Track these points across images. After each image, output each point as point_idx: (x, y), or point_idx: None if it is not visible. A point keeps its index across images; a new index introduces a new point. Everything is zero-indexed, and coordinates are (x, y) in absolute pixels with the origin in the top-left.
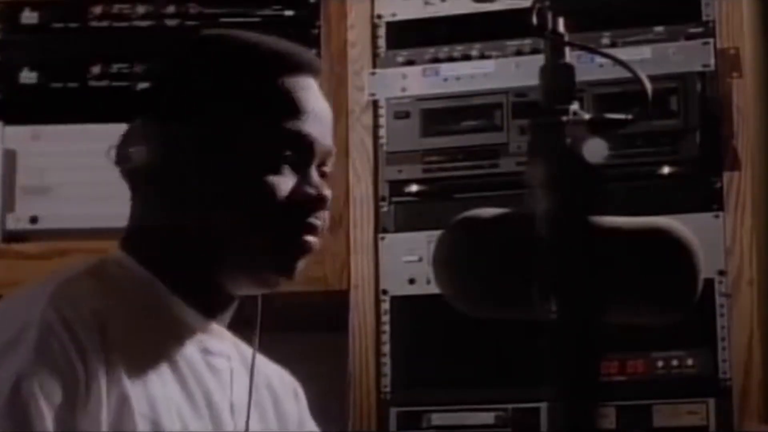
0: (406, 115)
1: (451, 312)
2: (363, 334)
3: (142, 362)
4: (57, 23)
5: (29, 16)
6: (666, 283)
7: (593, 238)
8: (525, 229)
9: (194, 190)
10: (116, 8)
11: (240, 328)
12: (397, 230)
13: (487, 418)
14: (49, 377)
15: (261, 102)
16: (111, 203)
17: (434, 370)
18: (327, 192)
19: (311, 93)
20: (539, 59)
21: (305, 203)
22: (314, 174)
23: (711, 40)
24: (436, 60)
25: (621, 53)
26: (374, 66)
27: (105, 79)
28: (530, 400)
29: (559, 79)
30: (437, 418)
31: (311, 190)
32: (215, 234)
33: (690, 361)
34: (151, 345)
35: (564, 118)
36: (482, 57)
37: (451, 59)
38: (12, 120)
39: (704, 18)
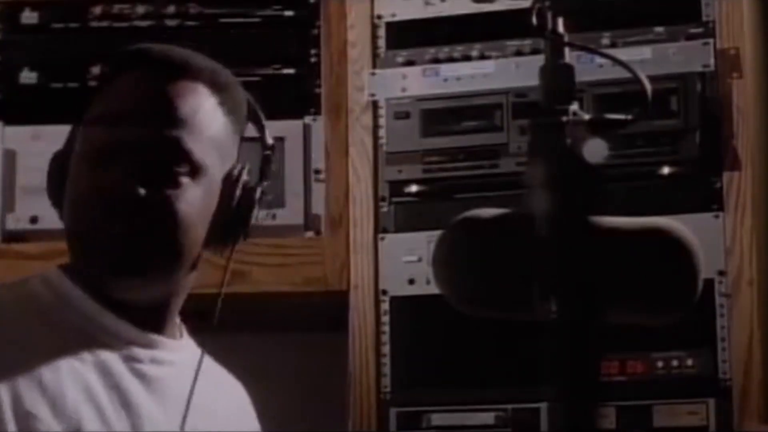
0: (406, 115)
1: (451, 312)
2: (363, 334)
3: (35, 378)
4: (57, 23)
5: (29, 16)
6: (666, 283)
7: (593, 239)
8: (525, 230)
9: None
10: (116, 8)
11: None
12: (397, 230)
13: (487, 418)
14: None
15: (97, 94)
16: None
17: (434, 370)
18: (141, 189)
19: (147, 95)
20: (539, 59)
21: (112, 199)
22: (124, 171)
23: (711, 40)
24: (436, 60)
25: (621, 53)
26: (374, 66)
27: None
28: (530, 401)
29: (559, 80)
30: (437, 419)
31: (116, 186)
32: (74, 241)
33: (690, 362)
34: (53, 354)
35: (564, 119)
36: (482, 57)
37: (451, 59)
38: (12, 120)
39: (704, 18)
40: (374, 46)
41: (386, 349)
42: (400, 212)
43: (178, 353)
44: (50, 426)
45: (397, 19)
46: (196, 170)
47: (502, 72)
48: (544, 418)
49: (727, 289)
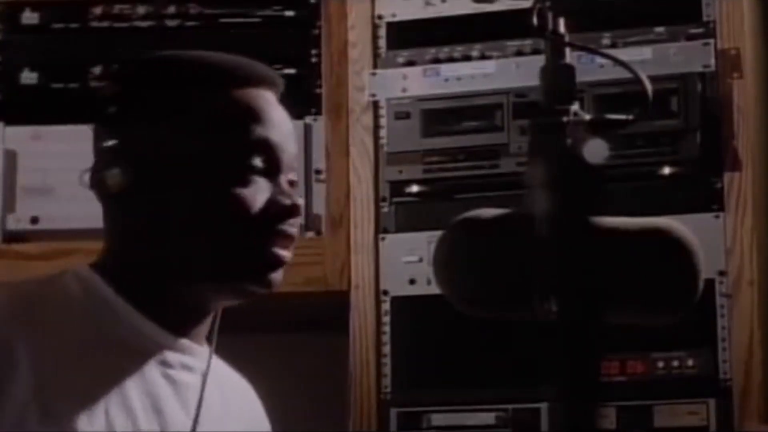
0: (407, 115)
1: (452, 312)
2: (363, 334)
3: (68, 375)
4: (57, 24)
5: (30, 17)
6: (666, 283)
7: (593, 239)
8: (525, 230)
9: (162, 210)
10: (117, 9)
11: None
12: (398, 231)
13: (488, 418)
14: None
15: (222, 113)
16: None
17: (435, 370)
18: (299, 201)
19: (270, 104)
20: (540, 60)
21: (278, 213)
22: (285, 183)
23: (711, 40)
24: (436, 60)
25: (621, 54)
26: (375, 66)
27: (106, 79)
28: (531, 401)
29: (559, 80)
30: (437, 419)
31: (285, 200)
32: (187, 252)
33: (690, 362)
34: (86, 358)
35: (564, 119)
36: (483, 57)
37: (451, 60)
38: (13, 120)
39: (705, 18)
40: (375, 47)
41: (387, 349)
42: (401, 212)
43: (205, 361)
44: (80, 428)
45: (397, 19)
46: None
47: (503, 72)
48: (544, 418)
49: (728, 289)
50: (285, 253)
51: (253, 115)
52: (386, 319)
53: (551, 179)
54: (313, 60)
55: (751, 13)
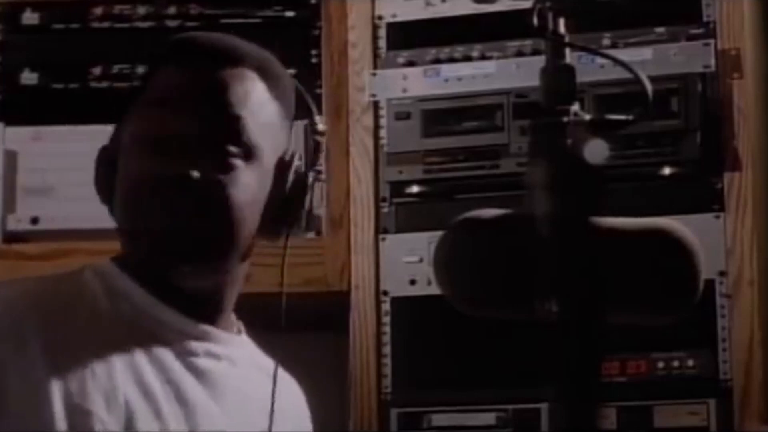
0: (407, 115)
1: (452, 313)
2: (363, 334)
3: (88, 372)
4: (58, 24)
5: (30, 17)
6: (667, 283)
7: (594, 239)
8: (526, 230)
9: (113, 190)
10: (117, 9)
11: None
12: (398, 231)
13: (488, 418)
14: None
15: (143, 91)
16: None
17: (435, 370)
18: (194, 173)
19: (195, 82)
20: (540, 60)
21: (164, 184)
22: (178, 152)
23: (712, 40)
24: (437, 61)
25: (622, 54)
26: (375, 67)
27: (106, 80)
28: (531, 401)
29: (559, 80)
30: (438, 419)
31: (168, 171)
32: (131, 233)
33: (691, 362)
34: (105, 348)
35: (565, 119)
36: (483, 58)
37: (452, 60)
38: (13, 121)
39: (705, 19)
40: (375, 47)
41: (387, 349)
42: (401, 213)
43: (235, 348)
44: (103, 421)
45: (397, 19)
46: (249, 153)
47: (503, 72)
48: (544, 418)
49: (728, 290)
50: (188, 218)
51: (157, 94)
52: (386, 319)
53: (552, 180)
54: (314, 60)
55: (752, 13)
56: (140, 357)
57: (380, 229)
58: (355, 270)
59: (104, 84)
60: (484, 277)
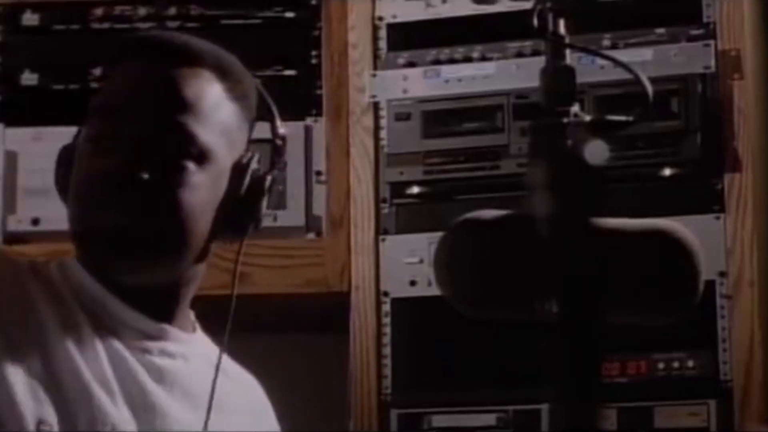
0: (407, 116)
1: (452, 314)
2: (364, 335)
3: (47, 359)
4: (58, 25)
5: (30, 18)
6: (667, 284)
7: (594, 240)
8: (526, 231)
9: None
10: (117, 10)
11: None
12: (398, 232)
13: (489, 419)
14: None
15: (97, 87)
16: None
17: (435, 371)
18: (144, 174)
19: (148, 80)
20: (540, 61)
21: (113, 184)
22: (127, 153)
23: (712, 41)
24: (437, 62)
25: (622, 55)
26: (375, 68)
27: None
28: (531, 402)
29: (560, 81)
30: (438, 420)
31: (117, 171)
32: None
33: (691, 363)
34: (61, 341)
35: (565, 120)
36: (483, 59)
37: (452, 61)
38: (13, 121)
39: (705, 19)
40: (375, 48)
41: (387, 350)
42: (402, 213)
43: (191, 346)
44: (53, 408)
45: (398, 20)
46: (202, 156)
47: (503, 73)
48: (545, 419)
49: (728, 290)
50: (124, 217)
51: (109, 90)
52: (387, 320)
53: (552, 180)
54: (314, 61)
55: (752, 14)
56: (97, 349)
57: (380, 230)
58: (355, 271)
59: None
60: (484, 278)
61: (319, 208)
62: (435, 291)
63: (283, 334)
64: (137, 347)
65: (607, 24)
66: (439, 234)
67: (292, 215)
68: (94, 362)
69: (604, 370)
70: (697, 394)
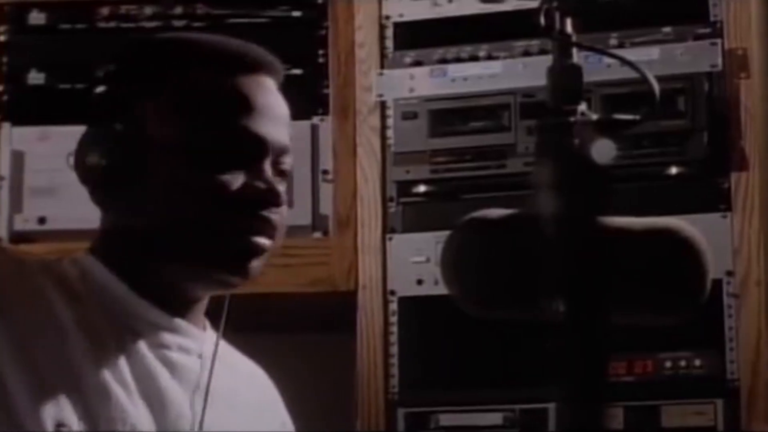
0: (414, 115)
1: (459, 313)
2: (371, 334)
3: (62, 359)
4: (64, 24)
5: (37, 17)
6: (674, 283)
7: (601, 239)
8: (533, 230)
9: (144, 192)
10: (124, 9)
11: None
12: (405, 231)
13: (495, 418)
14: None
15: (210, 100)
16: None
17: (442, 370)
18: (280, 187)
19: (262, 90)
20: (547, 60)
21: (255, 199)
22: (267, 170)
23: (719, 40)
24: (443, 61)
25: (629, 54)
26: (382, 67)
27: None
28: (538, 401)
29: (566, 80)
30: (445, 419)
31: (261, 185)
32: (166, 235)
33: (698, 362)
34: (79, 337)
35: (572, 119)
36: (490, 58)
37: (458, 60)
38: (19, 121)
39: (712, 18)
40: (382, 47)
41: (394, 349)
42: (408, 212)
43: (205, 344)
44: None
45: (404, 19)
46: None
47: (510, 72)
48: (551, 418)
49: (735, 290)
50: (264, 241)
51: (239, 104)
52: (393, 319)
53: (558, 179)
54: (321, 60)
55: (759, 13)
56: (113, 346)
57: (387, 229)
58: (362, 270)
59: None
60: (491, 277)
61: (326, 207)
62: (442, 290)
63: (289, 333)
64: (155, 343)
65: (613, 23)
66: (445, 233)
67: (299, 214)
68: (111, 360)
69: (610, 370)
70: (704, 393)
